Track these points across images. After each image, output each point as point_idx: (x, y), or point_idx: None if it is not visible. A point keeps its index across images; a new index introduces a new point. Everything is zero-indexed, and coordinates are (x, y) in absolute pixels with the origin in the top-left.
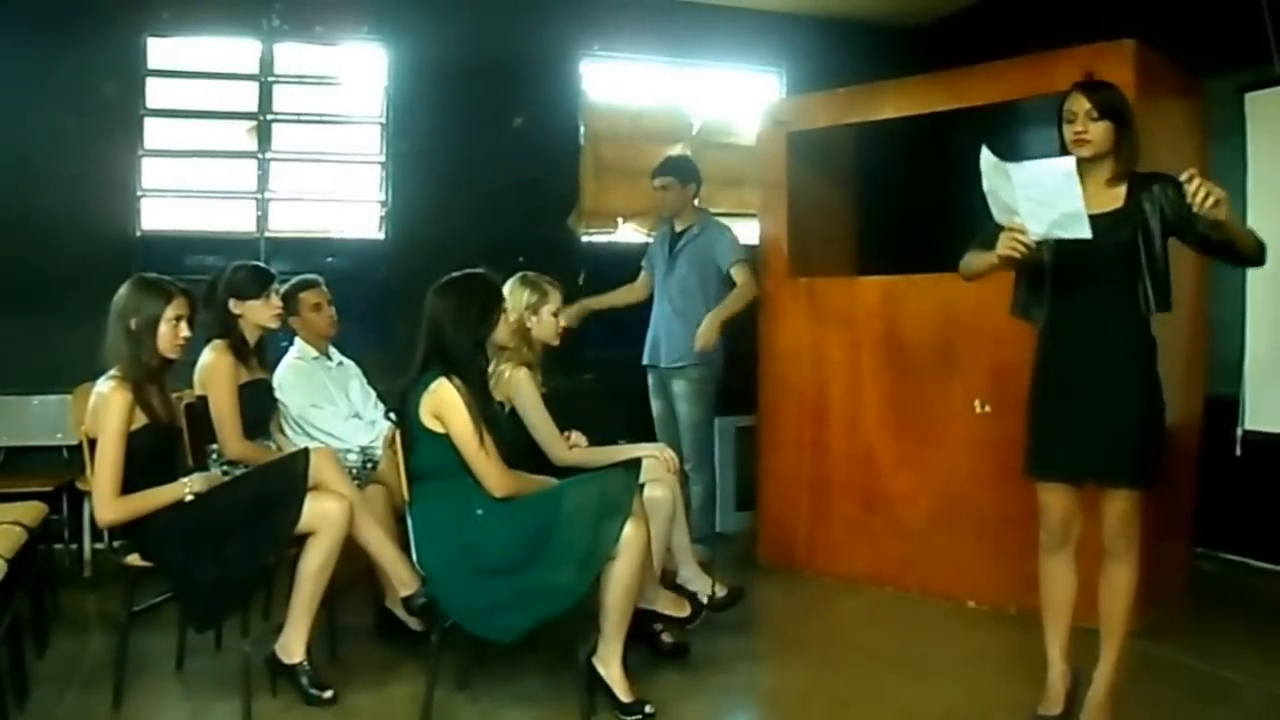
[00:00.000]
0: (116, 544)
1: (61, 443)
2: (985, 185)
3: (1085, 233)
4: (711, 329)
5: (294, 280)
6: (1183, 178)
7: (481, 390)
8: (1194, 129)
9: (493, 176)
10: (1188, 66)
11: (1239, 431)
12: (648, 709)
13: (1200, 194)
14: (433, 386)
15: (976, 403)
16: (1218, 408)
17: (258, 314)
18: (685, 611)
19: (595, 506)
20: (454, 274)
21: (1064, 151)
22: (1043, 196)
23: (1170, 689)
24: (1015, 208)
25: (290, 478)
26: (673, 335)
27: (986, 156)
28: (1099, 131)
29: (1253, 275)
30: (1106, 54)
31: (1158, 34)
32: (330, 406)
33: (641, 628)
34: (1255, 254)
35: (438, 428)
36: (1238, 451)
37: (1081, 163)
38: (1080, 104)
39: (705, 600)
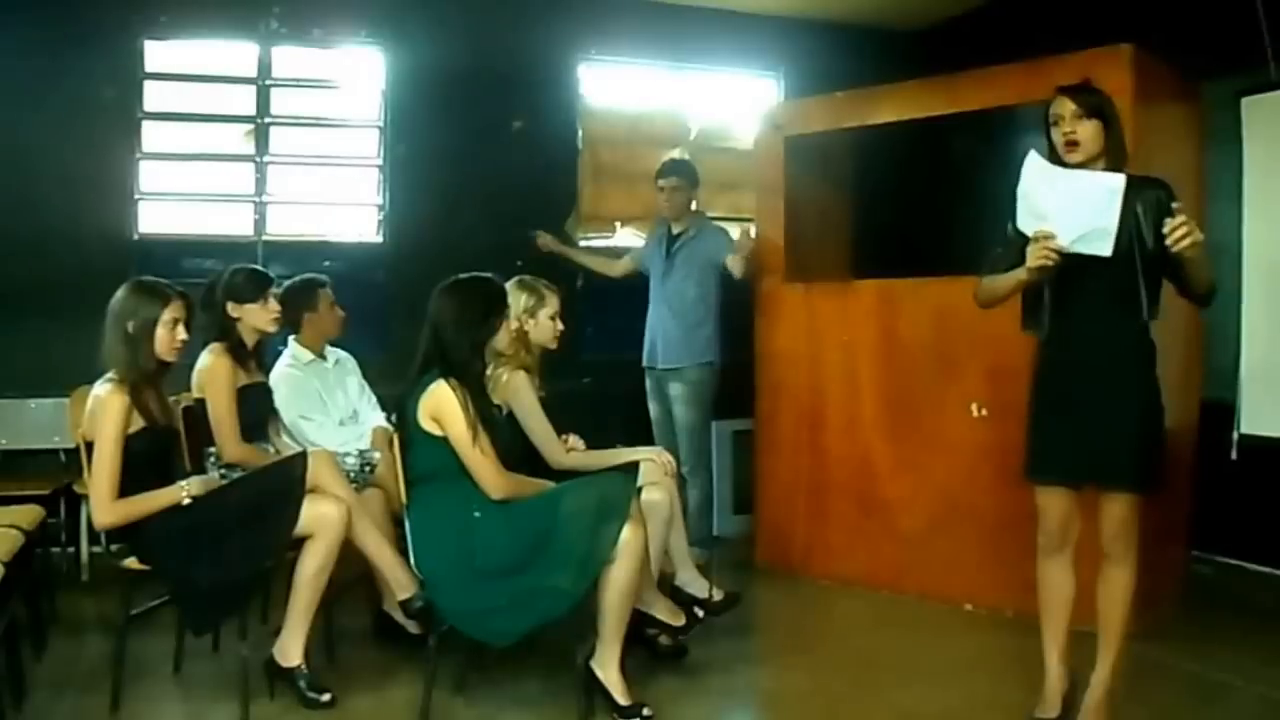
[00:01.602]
0: (114, 547)
1: (59, 446)
2: (1020, 187)
3: (1107, 251)
4: (741, 262)
5: (305, 277)
6: (1175, 206)
7: (479, 393)
8: (1191, 133)
9: (490, 180)
10: (1185, 71)
11: (1235, 435)
12: (645, 712)
13: (1179, 233)
14: (431, 388)
15: (973, 406)
16: (1214, 412)
17: (256, 317)
18: (680, 621)
19: (593, 510)
20: (460, 275)
21: (1053, 158)
22: (1080, 207)
23: (1166, 692)
24: (1045, 214)
25: (288, 481)
26: (670, 338)
27: (1034, 158)
28: (1088, 131)
29: (1249, 280)
30: (1104, 59)
31: (1155, 39)
32: (321, 417)
33: (638, 631)
34: (1205, 295)
35: (435, 430)
36: (1234, 455)
37: (1072, 168)
38: (1066, 106)
39: (699, 612)
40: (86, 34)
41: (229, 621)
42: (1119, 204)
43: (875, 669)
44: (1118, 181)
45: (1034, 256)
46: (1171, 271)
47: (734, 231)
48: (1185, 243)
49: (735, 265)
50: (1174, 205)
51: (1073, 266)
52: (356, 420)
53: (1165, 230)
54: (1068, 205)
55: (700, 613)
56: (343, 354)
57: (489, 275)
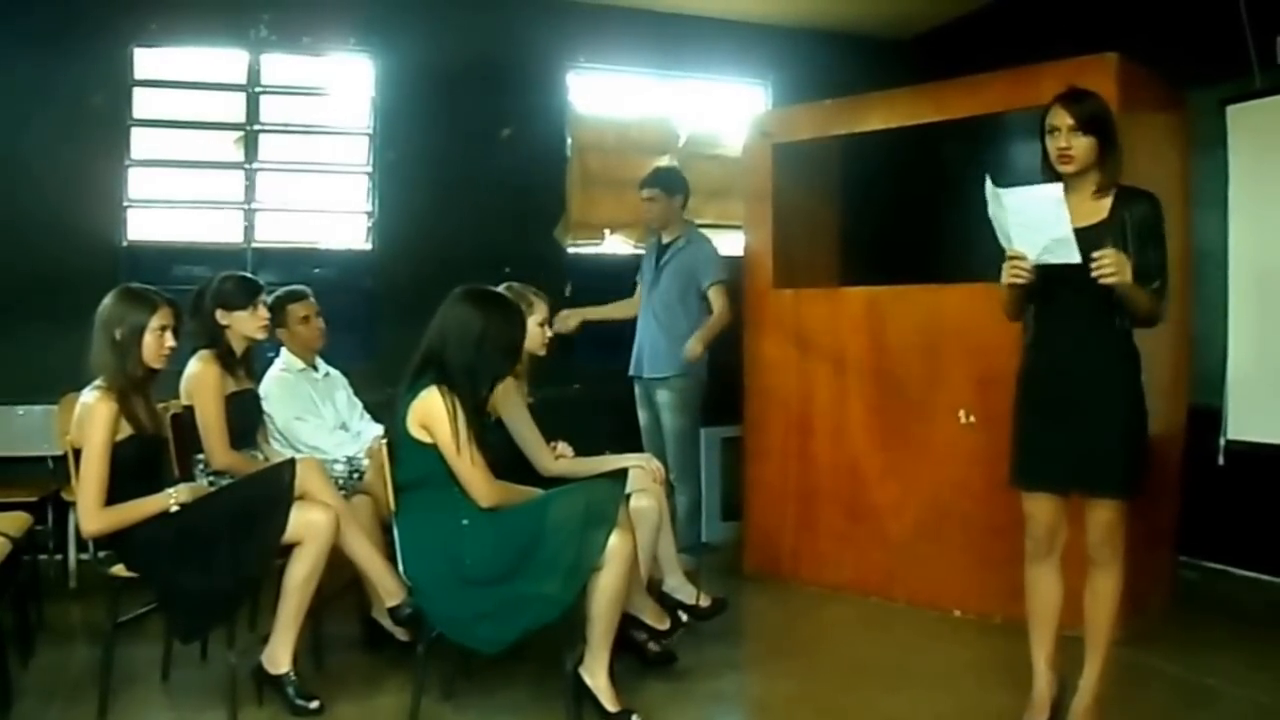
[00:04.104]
0: (102, 555)
1: (47, 453)
2: (990, 212)
3: (1074, 258)
4: (698, 344)
5: (282, 291)
6: (1095, 255)
7: (474, 404)
8: (1176, 142)
9: (480, 187)
10: (1170, 79)
11: (1222, 441)
12: (634, 718)
13: (1102, 268)
14: (422, 395)
15: (961, 413)
16: (1201, 418)
17: (245, 325)
18: (665, 624)
19: (580, 517)
20: (490, 290)
21: (1046, 164)
22: (1032, 222)
23: (1154, 696)
24: (1009, 236)
25: (276, 488)
26: (657, 347)
27: (988, 186)
28: (1083, 146)
29: (1235, 286)
30: (1090, 67)
31: (1140, 47)
32: (315, 419)
33: (627, 637)
34: (1144, 321)
35: (424, 437)
36: (1221, 461)
37: (1066, 177)
38: (1063, 119)
39: (686, 615)
40: (76, 41)
41: (217, 629)
42: (1064, 211)
43: (864, 675)
44: (1055, 191)
45: (1006, 275)
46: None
47: (724, 238)
48: (1107, 278)
49: (691, 350)
50: (1095, 255)
51: (1058, 272)
52: (346, 431)
53: (1093, 258)
54: (1021, 222)
55: (685, 615)
56: (333, 370)
57: (515, 305)
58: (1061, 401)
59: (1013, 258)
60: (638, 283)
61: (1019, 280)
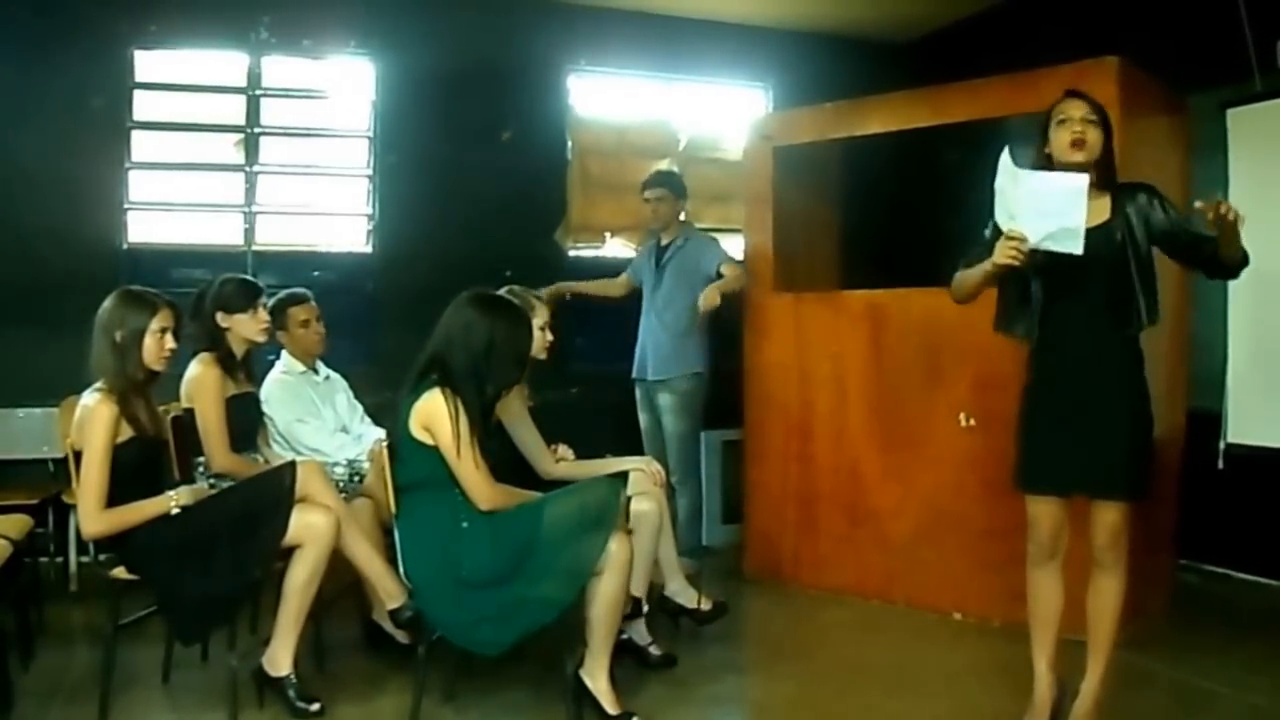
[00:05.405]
0: (102, 557)
1: (47, 455)
2: (997, 182)
3: (1078, 249)
4: (713, 294)
5: (282, 294)
6: (1199, 204)
7: (482, 414)
8: (1177, 145)
9: (480, 190)
10: (1171, 83)
11: (1221, 445)
12: None
13: (1229, 214)
14: (425, 396)
15: (961, 416)
16: (1200, 421)
17: (245, 327)
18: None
19: (577, 518)
20: (499, 296)
21: (1044, 162)
22: (1046, 207)
23: (1154, 700)
24: (1014, 214)
25: (277, 490)
26: (660, 349)
27: (1005, 158)
28: (1094, 136)
29: (1234, 289)
30: (1091, 71)
31: (1141, 51)
32: (316, 421)
33: (628, 640)
34: (1239, 266)
35: (426, 439)
36: (1220, 464)
37: (1075, 166)
38: (1078, 108)
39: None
40: (76, 43)
41: (218, 631)
42: (1084, 203)
43: (864, 678)
44: (1080, 181)
45: (1001, 253)
46: (1197, 256)
47: (724, 242)
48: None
49: (707, 298)
50: (1199, 204)
51: (1064, 272)
52: (347, 434)
53: (1210, 216)
54: (1034, 205)
55: (666, 596)
56: (333, 373)
57: (523, 313)
58: (1072, 405)
59: (1011, 237)
60: (626, 272)
61: (1014, 262)
